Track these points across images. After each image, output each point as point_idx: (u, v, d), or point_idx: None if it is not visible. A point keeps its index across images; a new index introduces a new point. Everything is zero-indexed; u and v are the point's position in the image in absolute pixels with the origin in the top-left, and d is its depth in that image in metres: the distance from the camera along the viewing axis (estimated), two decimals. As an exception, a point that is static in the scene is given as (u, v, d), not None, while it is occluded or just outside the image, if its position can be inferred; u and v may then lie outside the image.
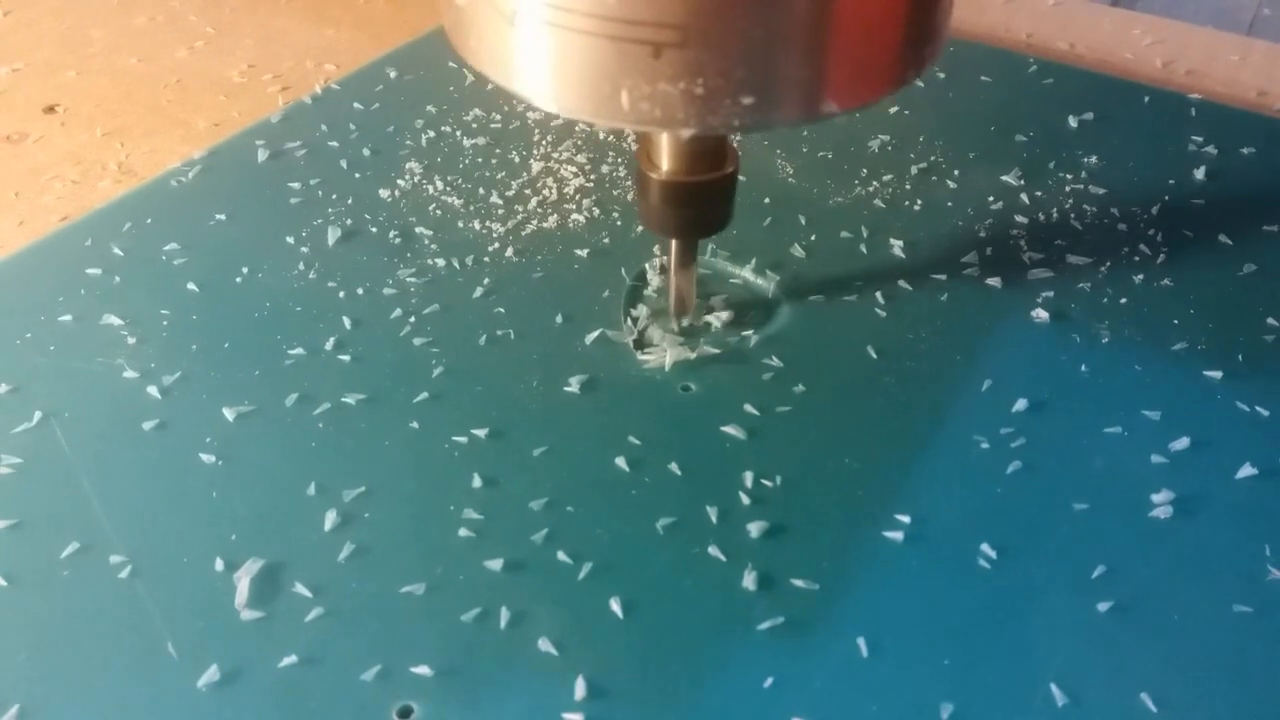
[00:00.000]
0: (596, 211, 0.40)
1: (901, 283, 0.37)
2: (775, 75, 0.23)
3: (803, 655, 0.26)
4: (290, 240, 0.39)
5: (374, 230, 0.39)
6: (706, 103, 0.23)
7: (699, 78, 0.22)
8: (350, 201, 0.41)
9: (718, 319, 0.35)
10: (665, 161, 0.30)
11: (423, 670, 0.25)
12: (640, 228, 0.39)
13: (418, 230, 0.39)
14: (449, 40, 0.26)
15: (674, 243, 0.33)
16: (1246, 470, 0.30)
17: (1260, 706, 0.25)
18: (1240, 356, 0.34)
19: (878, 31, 0.24)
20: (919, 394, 0.32)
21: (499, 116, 0.46)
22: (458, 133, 0.45)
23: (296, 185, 0.41)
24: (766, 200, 0.41)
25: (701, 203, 0.31)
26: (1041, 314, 0.35)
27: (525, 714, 0.24)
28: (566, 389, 0.33)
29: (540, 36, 0.23)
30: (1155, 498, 0.29)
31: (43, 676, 0.25)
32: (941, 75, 0.48)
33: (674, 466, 0.30)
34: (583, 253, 0.38)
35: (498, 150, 0.44)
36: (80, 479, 0.30)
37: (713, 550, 0.28)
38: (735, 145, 0.31)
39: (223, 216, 0.40)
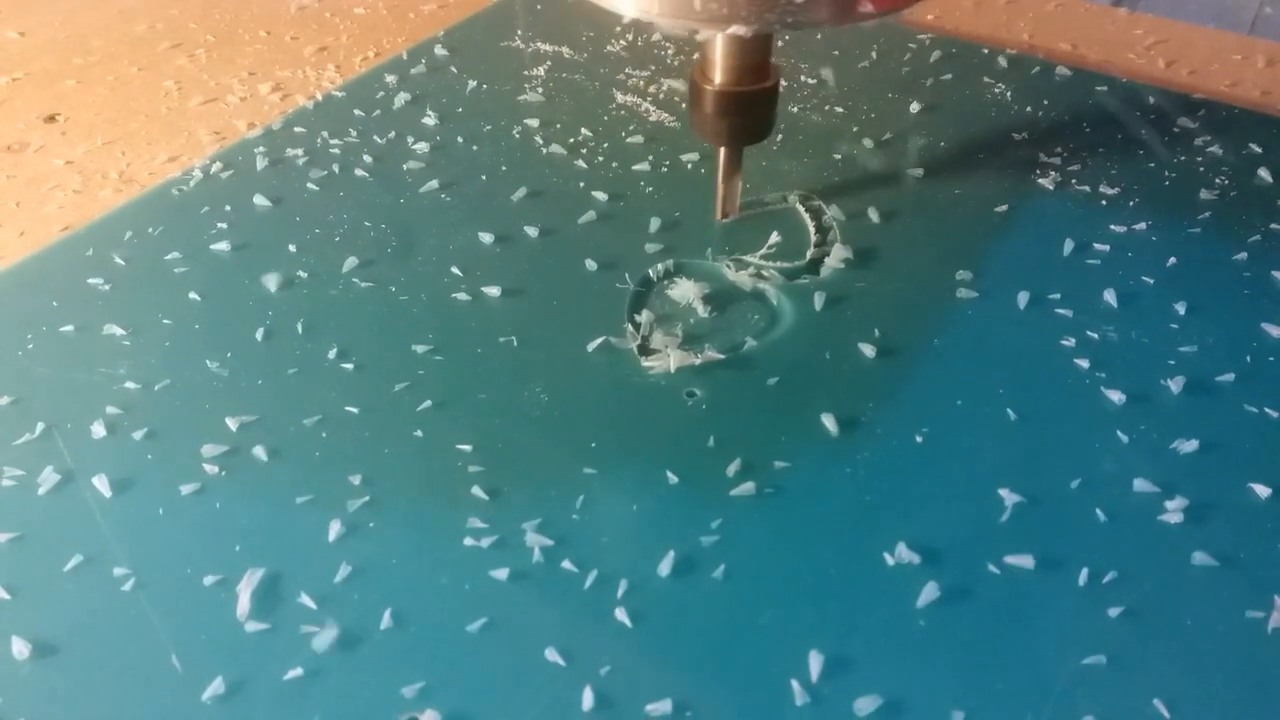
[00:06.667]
0: (599, 216, 0.40)
1: (903, 288, 0.37)
2: None
3: (812, 663, 0.25)
4: (292, 248, 0.38)
5: (375, 237, 0.39)
6: (765, 2, 0.29)
7: None
8: (352, 208, 0.40)
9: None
10: (718, 75, 0.35)
11: (429, 681, 0.25)
12: (639, 237, 0.39)
13: (419, 236, 0.39)
14: None
15: (722, 151, 0.37)
16: (1257, 473, 0.30)
17: (1274, 713, 0.24)
18: (1249, 359, 0.33)
19: None
20: (924, 400, 0.32)
21: (502, 122, 0.45)
22: (458, 138, 0.44)
23: (298, 193, 0.41)
24: (768, 207, 0.40)
25: (748, 111, 0.36)
26: (1047, 316, 0.35)
27: (532, 725, 0.24)
28: (570, 396, 0.32)
29: None
30: (1166, 502, 0.29)
31: (46, 690, 0.25)
32: (946, 77, 0.48)
33: (679, 474, 0.30)
34: (586, 259, 0.38)
35: (500, 155, 0.43)
36: (83, 491, 0.30)
37: (719, 559, 0.28)
38: (776, 63, 0.36)
39: (224, 225, 0.40)
